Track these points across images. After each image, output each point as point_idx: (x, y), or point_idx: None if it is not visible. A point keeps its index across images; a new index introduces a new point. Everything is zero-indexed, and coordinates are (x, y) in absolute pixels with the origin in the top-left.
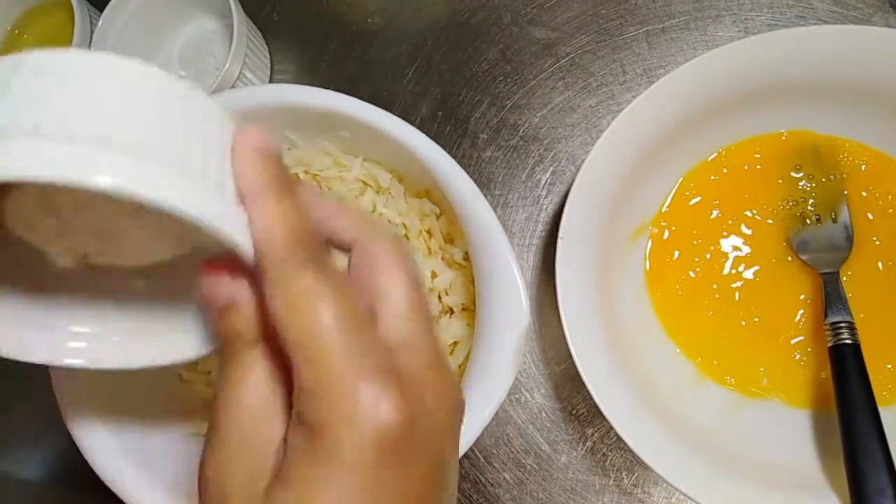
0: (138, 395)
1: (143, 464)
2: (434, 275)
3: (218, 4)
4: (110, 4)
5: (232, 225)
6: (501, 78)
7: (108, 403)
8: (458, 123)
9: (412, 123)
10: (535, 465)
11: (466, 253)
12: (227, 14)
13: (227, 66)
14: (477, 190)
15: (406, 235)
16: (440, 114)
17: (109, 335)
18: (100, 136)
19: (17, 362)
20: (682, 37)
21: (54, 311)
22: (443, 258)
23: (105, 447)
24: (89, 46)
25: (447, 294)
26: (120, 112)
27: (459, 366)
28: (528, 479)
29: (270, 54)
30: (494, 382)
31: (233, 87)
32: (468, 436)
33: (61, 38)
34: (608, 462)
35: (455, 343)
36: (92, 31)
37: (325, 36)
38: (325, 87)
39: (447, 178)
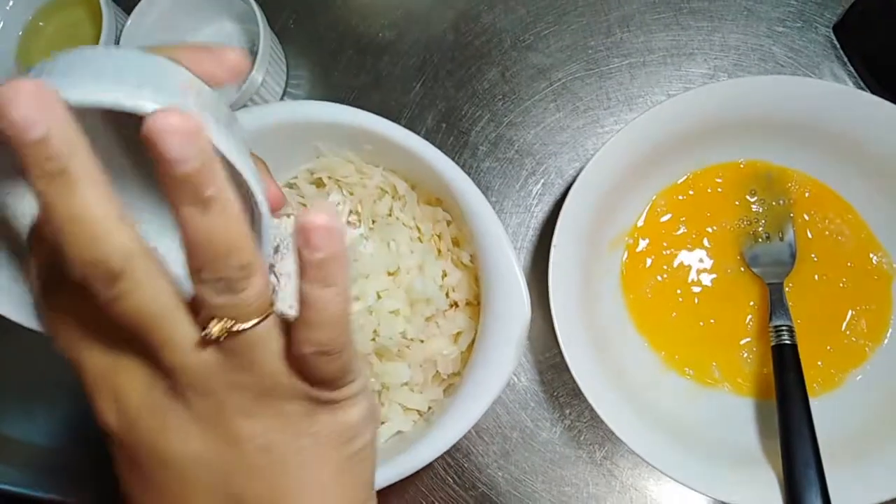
0: None
1: None
2: (445, 274)
3: (238, 8)
4: (138, 7)
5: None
6: (500, 97)
7: None
8: (459, 135)
9: (419, 133)
10: (519, 439)
11: (472, 255)
12: (245, 18)
13: (254, 72)
14: (485, 201)
15: (420, 238)
16: (444, 125)
17: None
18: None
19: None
20: (660, 70)
21: None
22: (451, 259)
23: None
24: (117, 44)
25: (454, 290)
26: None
27: (462, 353)
28: (513, 450)
29: (287, 60)
30: (498, 369)
31: (256, 92)
32: (474, 414)
33: (82, 31)
34: (582, 438)
35: (459, 333)
36: (117, 30)
37: (339, 46)
38: (338, 94)
39: (459, 189)
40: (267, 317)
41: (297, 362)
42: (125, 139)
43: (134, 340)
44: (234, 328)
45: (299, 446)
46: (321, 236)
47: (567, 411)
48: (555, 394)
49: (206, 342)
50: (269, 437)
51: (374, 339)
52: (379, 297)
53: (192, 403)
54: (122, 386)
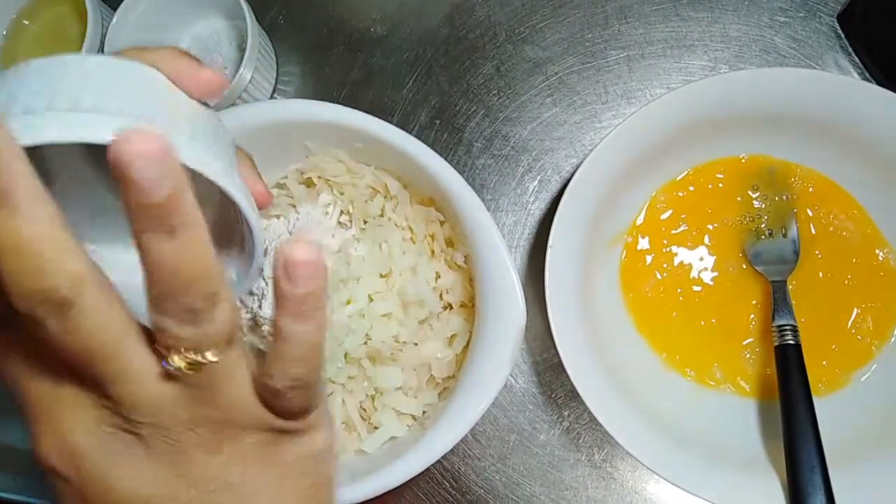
0: None
1: None
2: (438, 275)
3: (226, 4)
4: (124, 3)
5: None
6: (495, 91)
7: None
8: (454, 132)
9: (411, 130)
10: (517, 442)
11: (466, 256)
12: (234, 14)
13: (242, 70)
14: (479, 202)
15: (412, 239)
16: (437, 122)
17: None
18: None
19: None
20: (659, 63)
21: None
22: (445, 261)
23: None
24: (102, 41)
25: (448, 292)
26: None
27: (457, 356)
28: (510, 453)
29: (277, 56)
30: (493, 374)
31: (245, 89)
32: (470, 418)
33: (68, 28)
34: (581, 440)
35: (453, 336)
36: (103, 27)
37: (330, 41)
38: (329, 91)
39: (453, 190)
40: (231, 345)
41: (266, 394)
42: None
43: (82, 372)
44: (201, 359)
45: (265, 478)
46: (304, 272)
47: (565, 413)
48: (553, 395)
49: (168, 376)
50: (231, 472)
51: (366, 343)
52: (371, 299)
53: (146, 440)
54: (66, 421)
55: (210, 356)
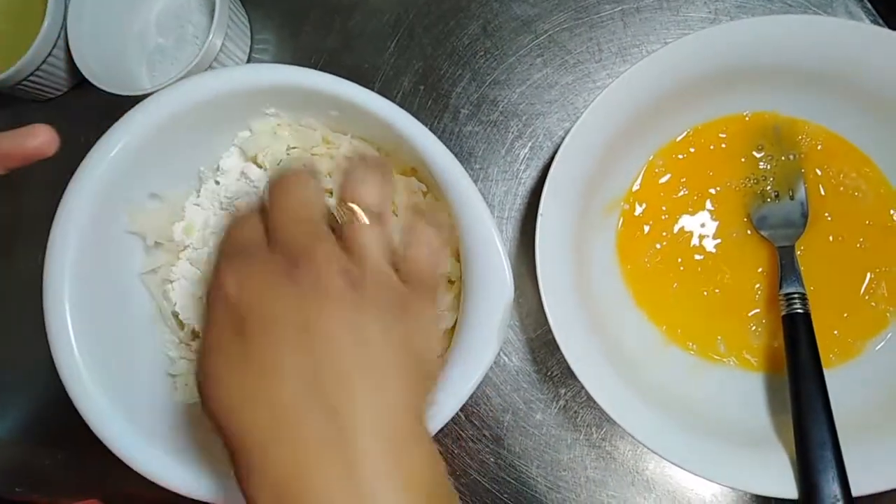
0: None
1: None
2: None
3: None
4: None
5: None
6: (482, 53)
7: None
8: (439, 98)
9: (394, 97)
10: (512, 422)
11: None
12: None
13: (211, 37)
14: (463, 171)
15: (394, 212)
16: (421, 88)
17: None
18: None
19: None
20: (656, 17)
21: None
22: None
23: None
24: (65, 13)
25: None
26: None
27: (447, 333)
28: (505, 435)
29: (250, 23)
30: (480, 352)
31: (216, 58)
32: (457, 398)
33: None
34: (579, 419)
35: (441, 312)
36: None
37: (306, 6)
38: (306, 58)
39: (435, 160)
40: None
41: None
42: None
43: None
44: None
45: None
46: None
47: (562, 391)
48: (549, 373)
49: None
50: (365, 314)
51: None
52: None
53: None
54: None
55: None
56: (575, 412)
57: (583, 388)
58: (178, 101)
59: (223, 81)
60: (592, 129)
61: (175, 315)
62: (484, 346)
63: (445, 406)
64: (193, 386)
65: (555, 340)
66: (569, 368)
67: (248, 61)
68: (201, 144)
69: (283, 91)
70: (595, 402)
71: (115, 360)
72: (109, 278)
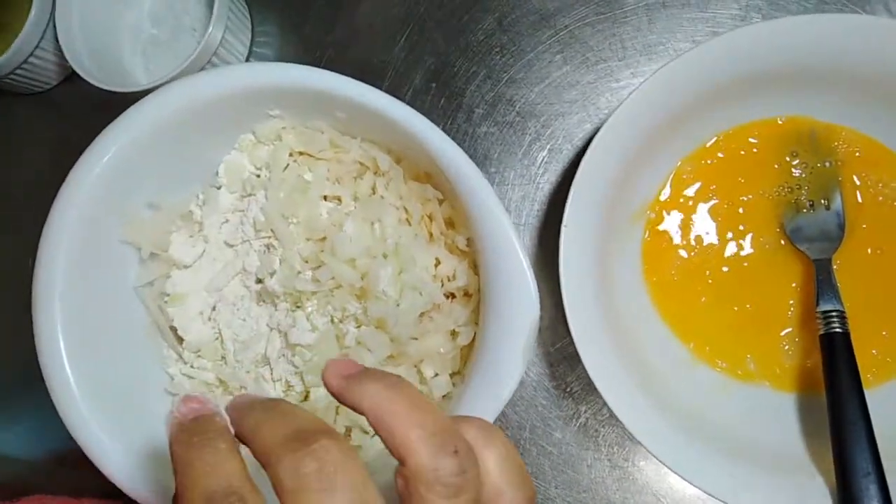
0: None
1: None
2: (438, 262)
3: None
4: None
5: None
6: (498, 49)
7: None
8: (452, 96)
9: (404, 95)
10: (529, 440)
11: (468, 239)
12: None
13: (211, 29)
14: (484, 179)
15: (408, 220)
16: (433, 85)
17: None
18: None
19: None
20: (683, 13)
21: None
22: (445, 245)
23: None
24: (53, 3)
25: (450, 280)
26: None
27: (462, 350)
28: (523, 453)
29: (251, 15)
30: (504, 375)
31: (215, 52)
32: None
33: None
34: (600, 437)
35: (457, 328)
36: None
37: None
38: (310, 53)
39: (453, 167)
40: None
41: None
42: None
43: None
44: None
45: None
46: None
47: (582, 408)
48: (568, 389)
49: None
50: None
51: (358, 344)
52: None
53: None
54: None
55: None
56: (596, 430)
57: (604, 405)
58: (175, 102)
59: (225, 81)
60: (619, 134)
61: (173, 330)
62: (508, 369)
63: None
64: None
65: (574, 355)
66: (589, 384)
67: (249, 55)
68: (200, 148)
69: (288, 92)
70: (618, 421)
71: (112, 384)
72: (102, 292)
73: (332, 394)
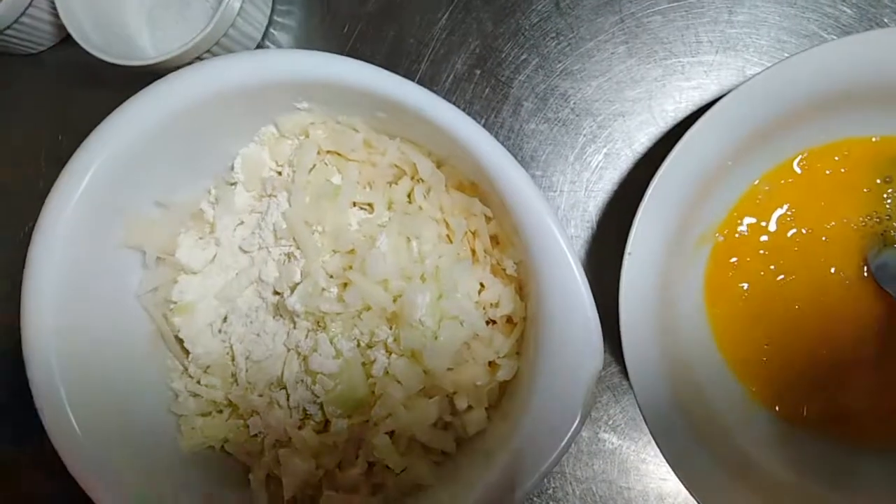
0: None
1: None
2: (482, 287)
3: None
4: None
5: None
6: (553, 35)
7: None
8: (498, 86)
9: (444, 81)
10: (560, 473)
11: (517, 263)
12: None
13: None
14: (542, 197)
15: (448, 237)
16: (477, 72)
17: None
18: None
19: None
20: (768, 6)
21: None
22: (490, 267)
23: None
24: None
25: (493, 307)
26: None
27: (501, 385)
28: (556, 486)
29: None
30: (559, 427)
31: (233, 24)
32: (531, 480)
33: None
34: (641, 471)
35: (498, 359)
36: None
37: None
38: (338, 28)
39: (505, 181)
40: None
41: None
42: None
43: None
44: None
45: None
46: None
47: (625, 444)
48: (611, 422)
49: None
50: None
51: (387, 374)
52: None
53: None
54: None
55: None
56: (637, 468)
57: (650, 442)
58: (196, 91)
59: (256, 70)
60: (699, 147)
61: (179, 341)
62: (564, 421)
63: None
64: (201, 427)
65: (621, 385)
66: (635, 418)
67: (269, 26)
68: (215, 136)
69: (327, 86)
70: (664, 463)
71: (110, 406)
72: (101, 301)
73: None
